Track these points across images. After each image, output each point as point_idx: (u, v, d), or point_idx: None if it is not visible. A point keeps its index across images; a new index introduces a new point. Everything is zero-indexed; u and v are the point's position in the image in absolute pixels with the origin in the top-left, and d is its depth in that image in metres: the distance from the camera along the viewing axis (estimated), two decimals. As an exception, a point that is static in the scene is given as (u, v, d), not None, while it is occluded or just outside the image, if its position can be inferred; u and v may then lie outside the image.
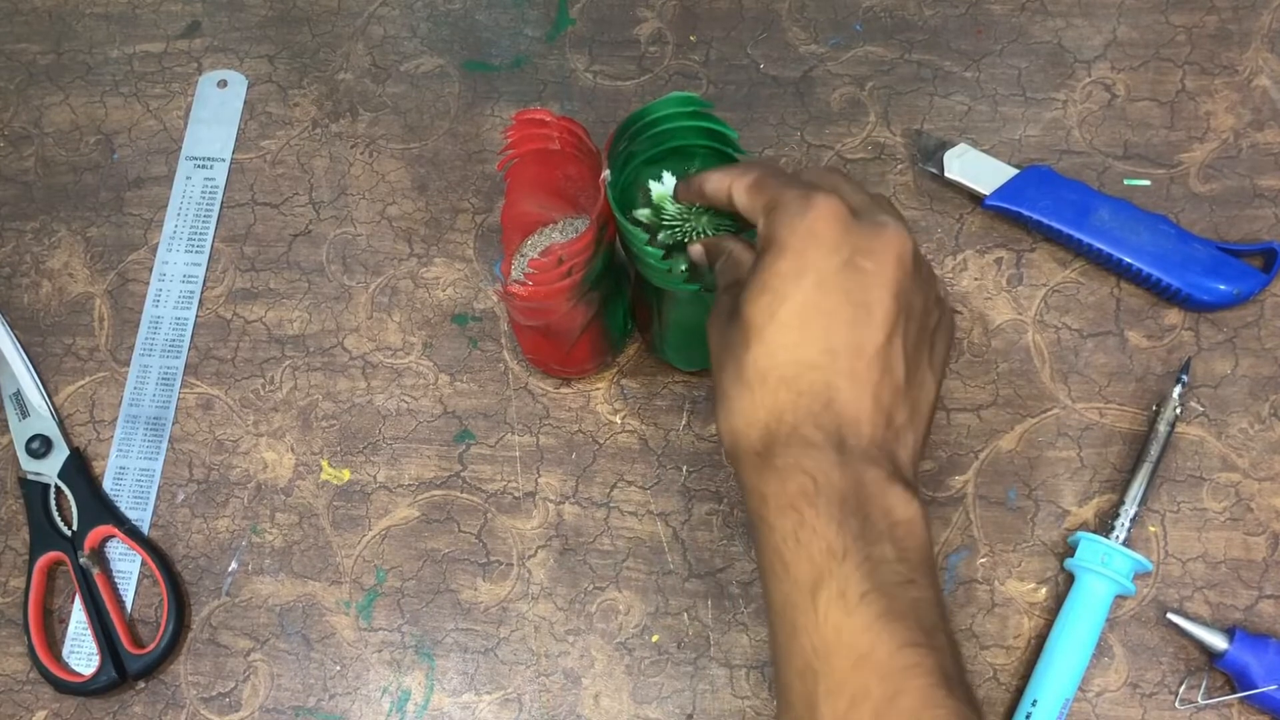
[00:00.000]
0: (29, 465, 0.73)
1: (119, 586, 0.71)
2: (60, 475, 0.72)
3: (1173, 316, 0.70)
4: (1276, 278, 0.69)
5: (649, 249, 0.59)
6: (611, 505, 0.70)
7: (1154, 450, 0.65)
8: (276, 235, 0.78)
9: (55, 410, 0.75)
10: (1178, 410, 0.66)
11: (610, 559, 0.69)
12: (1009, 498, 0.68)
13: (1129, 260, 0.69)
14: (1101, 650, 0.64)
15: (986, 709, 0.64)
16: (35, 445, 0.73)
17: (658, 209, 0.61)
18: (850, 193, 0.54)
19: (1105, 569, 0.63)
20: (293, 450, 0.73)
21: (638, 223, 0.61)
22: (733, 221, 0.59)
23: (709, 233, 0.59)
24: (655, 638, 0.67)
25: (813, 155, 0.75)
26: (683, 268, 0.60)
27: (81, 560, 0.70)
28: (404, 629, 0.69)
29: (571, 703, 0.66)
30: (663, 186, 0.60)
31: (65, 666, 0.69)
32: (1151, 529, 0.66)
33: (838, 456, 0.50)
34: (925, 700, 0.46)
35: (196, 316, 0.76)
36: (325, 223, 0.78)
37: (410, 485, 0.71)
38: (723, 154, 0.63)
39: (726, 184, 0.56)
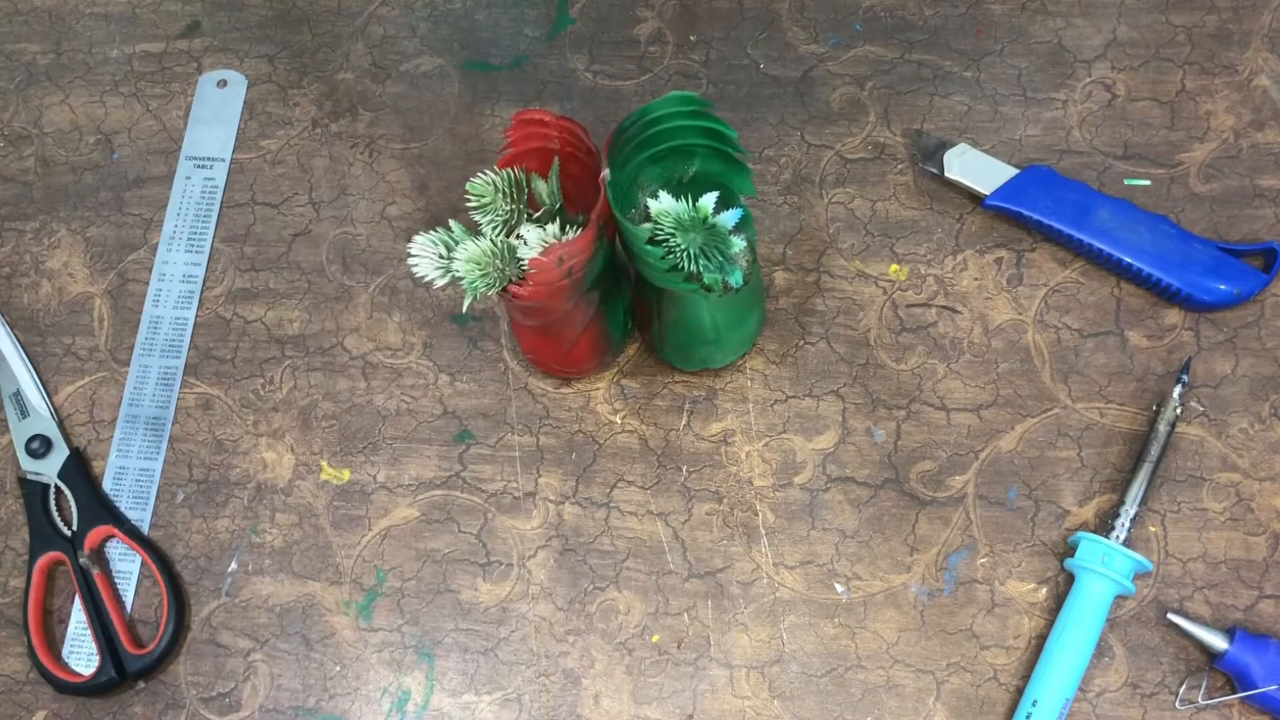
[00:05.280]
0: (29, 465, 0.73)
1: (119, 586, 0.71)
2: (60, 475, 0.72)
3: (1173, 316, 0.70)
4: (1276, 278, 0.69)
5: (649, 249, 0.59)
6: (611, 505, 0.70)
7: (1154, 450, 0.65)
8: (276, 235, 0.78)
9: (55, 410, 0.75)
10: (1178, 410, 0.66)
11: (610, 559, 0.69)
12: (1009, 498, 0.68)
13: (1129, 260, 0.69)
14: (1102, 650, 0.64)
15: (987, 709, 0.64)
16: (35, 445, 0.73)
17: (655, 225, 0.61)
18: None
19: (1105, 569, 0.63)
20: (293, 450, 0.73)
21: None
22: (727, 238, 0.59)
23: (704, 249, 0.60)
24: (655, 638, 0.67)
25: (813, 155, 0.75)
26: (731, 280, 0.61)
27: (81, 560, 0.70)
28: (404, 629, 0.69)
29: (571, 703, 0.66)
30: (661, 204, 0.60)
31: (65, 666, 0.69)
32: (1152, 529, 0.66)
33: None
34: None
35: (196, 316, 0.76)
36: (325, 223, 0.78)
37: (410, 485, 0.71)
38: (722, 154, 0.63)
39: None
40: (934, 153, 0.73)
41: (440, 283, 0.61)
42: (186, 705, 0.68)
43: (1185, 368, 0.67)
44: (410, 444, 0.72)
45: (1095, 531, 0.65)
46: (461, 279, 0.60)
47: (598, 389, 0.72)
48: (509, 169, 0.62)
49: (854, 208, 0.74)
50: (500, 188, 0.61)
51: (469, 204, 0.62)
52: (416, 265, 0.61)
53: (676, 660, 0.67)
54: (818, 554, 0.68)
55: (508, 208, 0.62)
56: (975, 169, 0.72)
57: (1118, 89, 0.75)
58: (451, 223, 0.62)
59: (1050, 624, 0.65)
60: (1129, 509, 0.65)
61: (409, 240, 0.75)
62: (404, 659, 0.68)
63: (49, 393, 0.76)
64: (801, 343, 0.72)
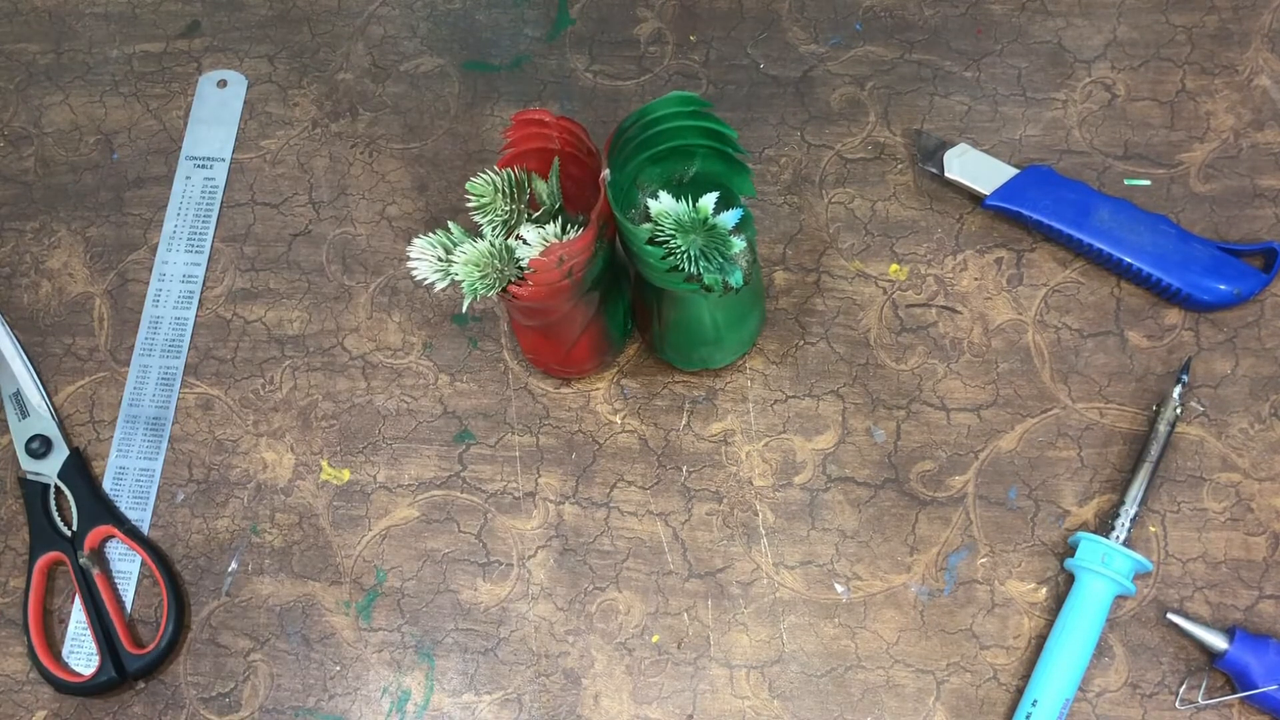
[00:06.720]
0: (29, 465, 0.73)
1: (119, 586, 0.71)
2: (60, 475, 0.72)
3: (1173, 316, 0.70)
4: (1276, 278, 0.69)
5: (649, 249, 0.59)
6: (611, 505, 0.70)
7: (1154, 450, 0.65)
8: (276, 235, 0.78)
9: (55, 410, 0.75)
10: (1178, 410, 0.66)
11: (610, 559, 0.69)
12: (1009, 498, 0.68)
13: (1129, 260, 0.69)
14: (1102, 650, 0.64)
15: (987, 709, 0.64)
16: (35, 445, 0.73)
17: (655, 226, 0.61)
18: None
19: (1105, 569, 0.63)
20: (293, 450, 0.73)
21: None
22: (727, 238, 0.59)
23: (704, 249, 0.60)
24: (655, 638, 0.67)
25: (813, 155, 0.75)
26: (731, 280, 0.61)
27: (81, 560, 0.70)
28: (404, 629, 0.69)
29: (571, 703, 0.66)
30: (661, 204, 0.60)
31: (65, 666, 0.69)
32: (1152, 529, 0.66)
33: None
34: None
35: (196, 316, 0.76)
36: (325, 223, 0.78)
37: (410, 485, 0.71)
38: (722, 154, 0.63)
39: None
40: (934, 153, 0.73)
41: (440, 285, 0.61)
42: (186, 705, 0.68)
43: (1185, 368, 0.67)
44: (410, 444, 0.72)
45: (1095, 531, 0.65)
46: (461, 281, 0.60)
47: (598, 389, 0.72)
48: (509, 169, 0.62)
49: (854, 208, 0.74)
50: (500, 188, 0.61)
51: (469, 204, 0.62)
52: (416, 268, 0.61)
53: (676, 660, 0.67)
54: (818, 554, 0.68)
55: (508, 208, 0.62)
56: (975, 169, 0.72)
57: (1118, 89, 0.75)
58: (451, 224, 0.62)
59: (1050, 624, 0.65)
60: (1129, 509, 0.65)
61: (409, 240, 0.75)
62: (404, 659, 0.68)
63: (49, 393, 0.76)
64: (801, 343, 0.72)
